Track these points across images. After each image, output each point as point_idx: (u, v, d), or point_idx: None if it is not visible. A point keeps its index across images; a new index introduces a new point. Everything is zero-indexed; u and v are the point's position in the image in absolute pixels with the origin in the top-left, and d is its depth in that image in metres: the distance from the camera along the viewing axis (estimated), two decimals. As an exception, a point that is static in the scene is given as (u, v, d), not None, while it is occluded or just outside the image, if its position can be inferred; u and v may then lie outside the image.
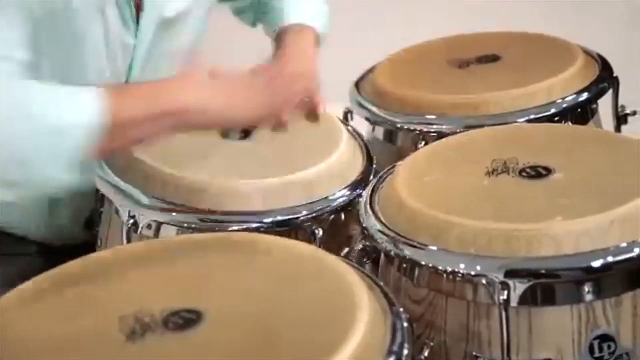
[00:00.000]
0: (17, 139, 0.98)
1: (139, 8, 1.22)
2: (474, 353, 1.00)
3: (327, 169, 1.16)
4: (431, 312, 1.03)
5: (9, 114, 0.98)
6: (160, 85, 1.06)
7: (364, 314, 0.82)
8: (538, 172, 1.08)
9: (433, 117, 1.35)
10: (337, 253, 1.16)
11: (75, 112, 1.00)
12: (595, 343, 0.98)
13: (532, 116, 1.33)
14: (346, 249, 1.16)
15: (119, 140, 1.02)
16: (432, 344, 1.02)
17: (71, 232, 1.31)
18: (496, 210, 1.01)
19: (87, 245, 1.26)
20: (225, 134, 1.21)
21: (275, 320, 0.83)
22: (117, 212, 1.13)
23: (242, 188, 1.11)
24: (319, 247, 1.10)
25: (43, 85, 1.03)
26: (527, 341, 0.98)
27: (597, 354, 0.98)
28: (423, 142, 1.34)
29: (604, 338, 0.98)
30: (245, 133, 1.22)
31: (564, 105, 1.36)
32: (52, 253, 1.28)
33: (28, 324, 0.85)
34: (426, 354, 1.00)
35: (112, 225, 1.16)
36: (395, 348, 0.82)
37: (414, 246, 1.01)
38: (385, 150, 1.44)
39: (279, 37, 1.37)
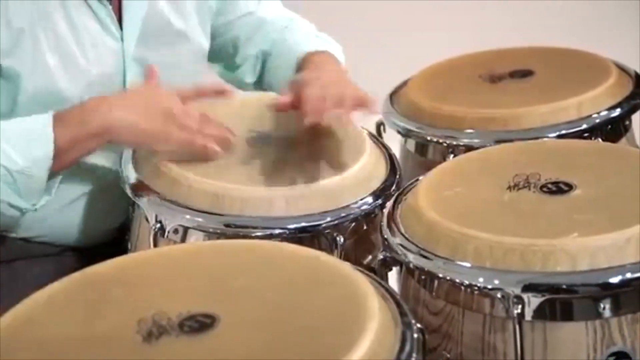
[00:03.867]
0: None
1: (120, 10, 1.26)
2: (489, 366, 1.01)
3: (350, 177, 1.18)
4: (448, 324, 1.04)
5: None
6: (84, 109, 1.17)
7: (374, 323, 0.84)
8: (559, 188, 1.09)
9: (463, 131, 1.37)
10: (360, 261, 1.19)
11: (27, 154, 1.14)
12: (611, 360, 0.98)
13: (562, 132, 1.34)
14: (369, 257, 1.18)
15: (61, 163, 1.16)
16: (448, 355, 1.04)
17: (103, 236, 1.35)
18: (514, 225, 1.02)
19: (118, 243, 1.31)
20: (248, 141, 1.24)
21: (287, 327, 0.85)
22: (146, 218, 1.16)
23: (265, 194, 1.14)
24: (341, 254, 1.13)
25: None
26: (542, 356, 0.99)
27: (612, 371, 0.99)
28: (452, 156, 1.36)
29: (620, 355, 0.98)
30: (269, 139, 1.25)
31: (595, 121, 1.36)
32: (83, 252, 1.33)
33: (51, 323, 0.88)
34: (441, 365, 1.02)
35: (142, 230, 1.20)
36: (403, 358, 0.83)
37: (431, 259, 1.03)
38: (416, 162, 1.46)
39: (305, 61, 1.38)
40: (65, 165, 1.18)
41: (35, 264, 1.29)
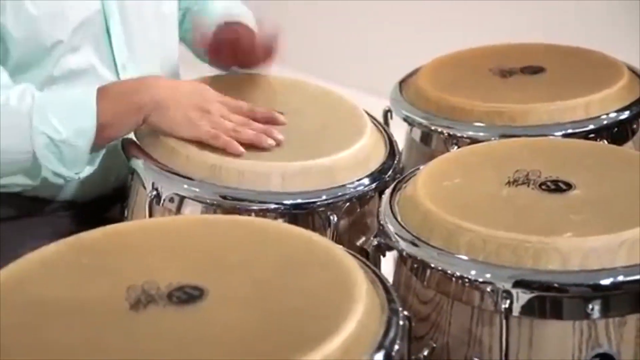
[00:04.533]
0: (20, 151, 1.18)
1: None
2: (474, 358, 1.02)
3: (347, 157, 1.18)
4: (437, 314, 1.04)
5: (12, 134, 1.17)
6: (128, 86, 1.23)
7: (359, 308, 0.84)
8: (558, 187, 1.09)
9: (467, 123, 1.36)
10: (354, 242, 1.19)
11: (71, 124, 1.17)
12: (595, 361, 0.99)
13: (568, 131, 1.33)
14: (362, 239, 1.18)
15: (103, 137, 1.19)
16: (435, 345, 1.04)
17: (99, 193, 1.37)
18: (509, 220, 1.02)
19: (112, 204, 1.34)
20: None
21: (273, 306, 0.86)
22: (143, 185, 1.17)
23: (262, 169, 1.14)
24: (334, 233, 1.14)
25: (38, 100, 1.18)
26: (527, 352, 0.99)
27: (596, 372, 0.99)
28: (455, 147, 1.35)
29: (605, 357, 0.99)
30: None
31: (602, 122, 1.36)
32: (77, 212, 1.35)
33: (42, 285, 0.89)
34: (425, 353, 1.02)
35: (139, 197, 1.21)
36: (386, 343, 0.84)
37: (424, 248, 1.03)
38: (420, 152, 1.46)
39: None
40: (107, 139, 1.22)
41: (31, 223, 1.30)
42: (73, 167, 1.20)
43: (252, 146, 1.18)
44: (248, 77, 1.39)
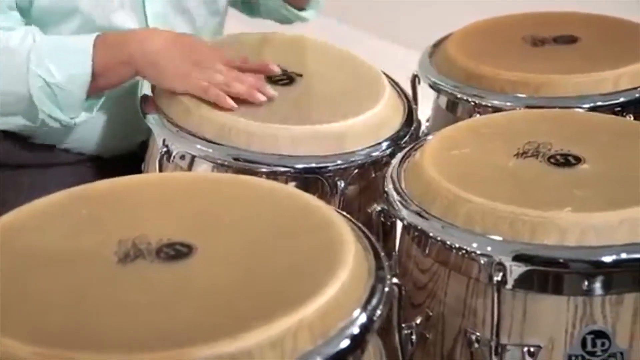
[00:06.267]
0: (16, 92, 1.20)
1: None
2: (468, 329, 1.01)
3: (358, 124, 1.18)
4: (434, 283, 1.04)
5: (10, 74, 1.19)
6: (123, 37, 1.23)
7: (343, 272, 0.84)
8: (567, 161, 1.07)
9: (491, 92, 1.34)
10: (364, 209, 1.19)
11: (66, 69, 1.19)
12: (589, 338, 0.97)
13: (592, 104, 1.31)
14: (374, 205, 1.18)
15: (97, 85, 1.21)
16: (431, 313, 1.05)
17: (122, 149, 1.39)
18: (510, 192, 1.01)
19: (136, 160, 1.35)
20: (270, 78, 1.25)
21: (259, 267, 0.87)
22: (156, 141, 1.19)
23: (272, 131, 1.15)
24: (341, 199, 1.14)
25: (37, 43, 1.20)
26: (520, 325, 0.99)
27: (589, 349, 0.98)
28: (478, 116, 1.34)
29: (599, 334, 0.98)
30: (290, 79, 1.26)
31: (634, 95, 1.33)
32: (101, 164, 1.38)
33: (39, 232, 0.91)
34: (418, 321, 1.02)
35: (153, 152, 1.23)
36: (368, 309, 0.84)
37: (425, 217, 1.02)
38: (445, 119, 1.44)
39: None
40: (101, 88, 1.23)
41: (56, 171, 1.33)
42: (69, 112, 1.22)
43: (249, 103, 1.18)
44: (268, 37, 1.39)
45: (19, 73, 1.19)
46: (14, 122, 1.30)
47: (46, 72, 1.19)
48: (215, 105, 1.18)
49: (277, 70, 1.25)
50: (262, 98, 1.19)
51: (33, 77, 1.19)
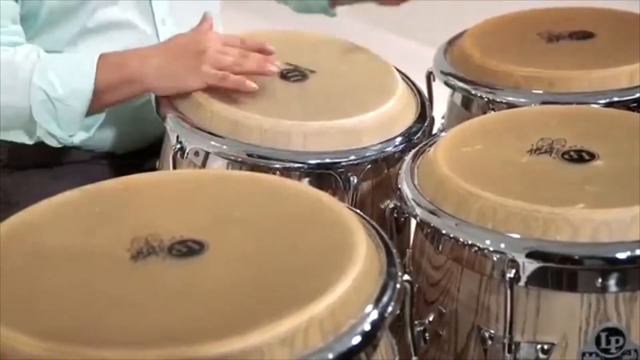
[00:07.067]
0: (18, 106, 1.20)
1: None
2: (481, 326, 1.01)
3: (370, 120, 1.18)
4: (447, 280, 1.04)
5: (12, 88, 1.19)
6: (124, 56, 1.23)
7: (354, 270, 0.85)
8: (581, 157, 1.06)
9: (505, 88, 1.34)
10: (378, 204, 1.19)
11: (69, 83, 1.20)
12: (603, 335, 0.97)
13: (608, 100, 1.30)
14: (387, 201, 1.18)
15: (99, 103, 1.22)
16: (444, 310, 1.04)
17: (136, 146, 1.39)
18: (523, 189, 1.01)
19: (149, 157, 1.35)
20: (283, 74, 1.25)
21: (270, 265, 0.87)
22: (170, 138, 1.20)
23: (284, 127, 1.15)
24: (354, 195, 1.14)
25: (42, 59, 1.21)
26: (534, 322, 0.98)
27: (603, 346, 0.97)
28: (492, 112, 1.33)
29: (613, 332, 0.97)
30: (303, 75, 1.26)
31: (643, 94, 1.32)
32: (114, 162, 1.37)
33: (52, 230, 0.92)
34: (431, 319, 1.02)
35: (167, 149, 1.23)
36: (379, 307, 0.84)
37: (438, 215, 1.02)
38: (460, 115, 1.44)
39: None
40: (103, 106, 1.24)
41: (68, 170, 1.33)
42: (67, 129, 1.22)
43: (262, 99, 1.18)
44: (282, 34, 1.39)
45: (22, 86, 1.20)
46: (12, 138, 1.30)
47: (49, 86, 1.20)
48: (227, 100, 1.18)
49: (272, 49, 1.24)
50: (275, 69, 1.21)
51: (35, 90, 1.20)
